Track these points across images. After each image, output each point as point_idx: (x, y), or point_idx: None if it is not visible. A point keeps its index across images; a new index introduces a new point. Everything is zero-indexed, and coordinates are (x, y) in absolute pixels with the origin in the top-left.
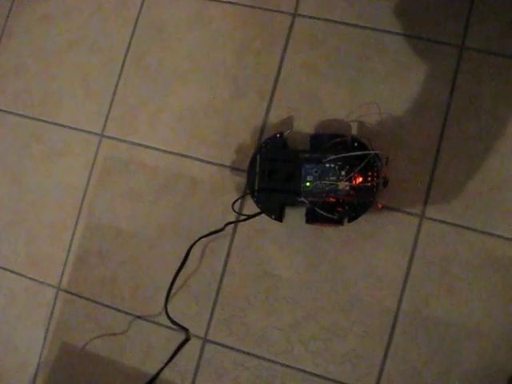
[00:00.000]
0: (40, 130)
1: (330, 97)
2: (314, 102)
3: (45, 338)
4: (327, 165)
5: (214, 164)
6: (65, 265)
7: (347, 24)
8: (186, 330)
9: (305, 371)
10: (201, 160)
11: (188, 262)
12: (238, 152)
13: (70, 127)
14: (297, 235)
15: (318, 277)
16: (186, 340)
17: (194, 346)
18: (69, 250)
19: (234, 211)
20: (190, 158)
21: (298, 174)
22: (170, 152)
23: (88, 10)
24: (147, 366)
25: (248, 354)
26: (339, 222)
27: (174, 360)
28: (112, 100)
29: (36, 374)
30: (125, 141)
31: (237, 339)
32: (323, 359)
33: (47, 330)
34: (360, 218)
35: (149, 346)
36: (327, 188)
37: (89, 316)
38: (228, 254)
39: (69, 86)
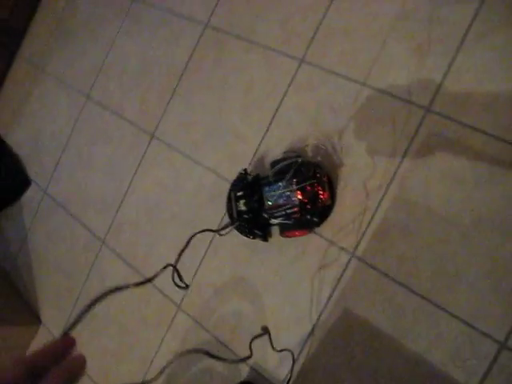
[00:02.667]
0: (361, 96)
1: None
2: None
3: (329, 298)
4: (280, 183)
5: None
6: (363, 233)
7: None
8: None
9: None
10: None
11: None
12: None
13: (396, 97)
14: None
15: None
16: None
17: (489, 348)
18: (371, 219)
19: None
20: None
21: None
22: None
23: None
24: (432, 355)
25: None
26: (306, 228)
27: (463, 356)
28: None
29: (312, 331)
30: (454, 120)
31: None
32: None
33: (333, 290)
34: None
35: (437, 335)
36: (283, 201)
37: (379, 290)
38: None
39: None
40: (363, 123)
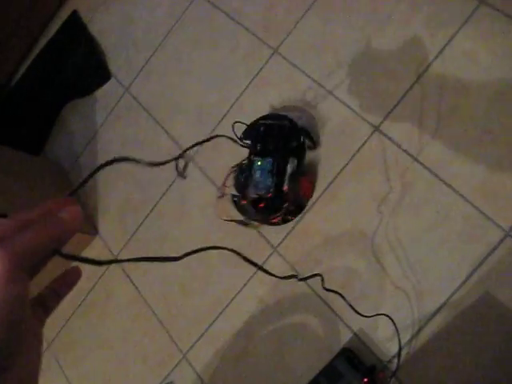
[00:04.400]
0: None
1: None
2: None
3: (469, 276)
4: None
5: None
6: None
7: None
8: None
9: None
10: None
11: None
12: None
13: None
14: None
15: None
16: None
17: None
18: None
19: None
20: None
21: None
22: None
23: None
24: None
25: None
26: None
27: None
28: None
29: (439, 309)
30: None
31: None
32: None
33: (475, 269)
34: None
35: None
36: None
37: None
38: None
39: None
40: None
